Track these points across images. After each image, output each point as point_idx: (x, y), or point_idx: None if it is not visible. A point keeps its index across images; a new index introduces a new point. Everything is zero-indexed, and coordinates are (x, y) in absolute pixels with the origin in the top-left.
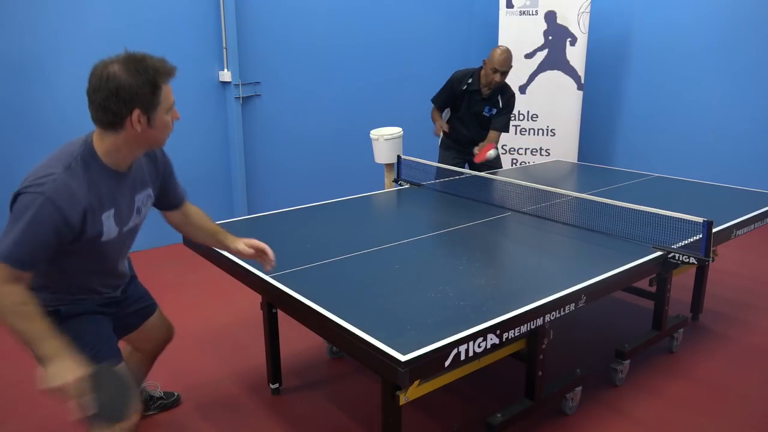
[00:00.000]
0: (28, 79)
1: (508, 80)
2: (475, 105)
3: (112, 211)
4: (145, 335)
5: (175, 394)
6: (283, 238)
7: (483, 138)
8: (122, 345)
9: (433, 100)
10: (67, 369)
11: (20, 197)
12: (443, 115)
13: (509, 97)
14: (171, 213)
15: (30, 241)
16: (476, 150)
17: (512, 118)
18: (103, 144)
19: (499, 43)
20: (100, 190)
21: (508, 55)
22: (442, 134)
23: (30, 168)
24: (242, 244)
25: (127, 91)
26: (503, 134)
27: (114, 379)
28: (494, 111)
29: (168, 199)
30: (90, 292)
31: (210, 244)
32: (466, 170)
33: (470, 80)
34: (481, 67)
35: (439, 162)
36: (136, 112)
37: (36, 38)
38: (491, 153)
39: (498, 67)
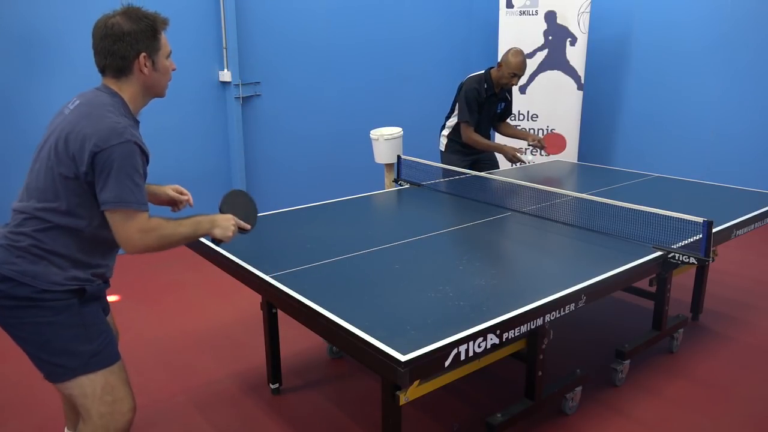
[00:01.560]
0: (27, 79)
1: None
2: (491, 106)
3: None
4: None
5: None
6: (283, 238)
7: (490, 135)
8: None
9: (469, 121)
10: (224, 222)
11: (110, 150)
12: (445, 121)
13: (510, 88)
14: None
15: (141, 182)
16: (543, 147)
17: (512, 118)
18: (124, 93)
19: (499, 43)
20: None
21: (524, 58)
22: (447, 141)
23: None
24: (171, 190)
25: (132, 36)
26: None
27: (239, 196)
28: (503, 105)
29: None
30: (105, 267)
31: None
32: (467, 170)
33: (486, 85)
34: (489, 69)
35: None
36: (142, 55)
37: (34, 37)
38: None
39: (517, 71)
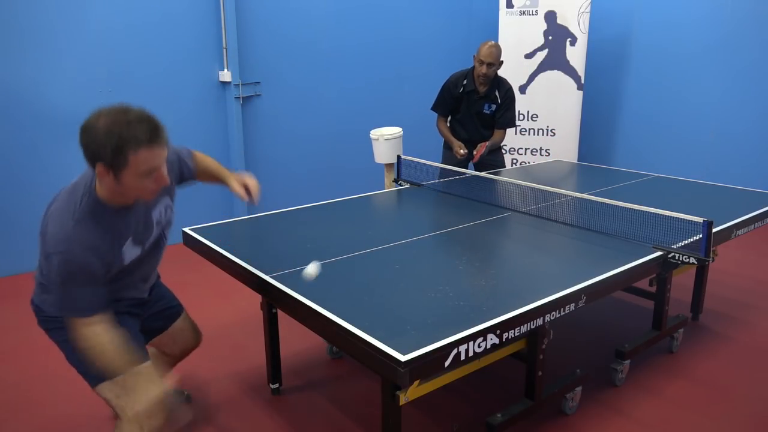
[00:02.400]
0: (26, 79)
1: (508, 78)
2: (473, 104)
3: (129, 239)
4: (172, 339)
5: (185, 392)
6: (283, 238)
7: (485, 137)
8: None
9: (435, 109)
10: (150, 391)
11: (51, 259)
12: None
13: (507, 91)
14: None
15: (80, 291)
16: (474, 152)
17: (515, 128)
18: (102, 187)
19: (500, 43)
20: (113, 229)
21: (494, 48)
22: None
23: (22, 163)
24: (235, 182)
25: (91, 147)
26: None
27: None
28: (493, 107)
29: (186, 179)
30: (120, 300)
31: (215, 183)
32: (467, 170)
33: (465, 81)
34: (474, 66)
35: (442, 162)
36: (99, 165)
37: (35, 38)
38: (485, 151)
39: (483, 58)
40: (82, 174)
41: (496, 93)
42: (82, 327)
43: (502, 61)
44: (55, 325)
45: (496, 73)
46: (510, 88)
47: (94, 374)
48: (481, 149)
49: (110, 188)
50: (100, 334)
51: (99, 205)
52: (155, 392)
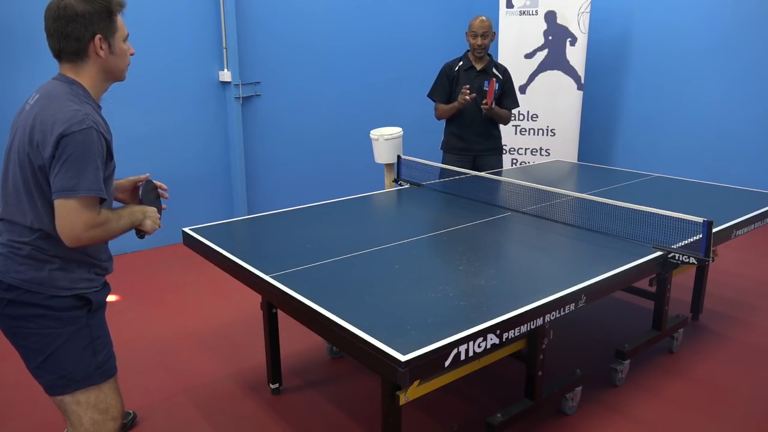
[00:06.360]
0: (24, 80)
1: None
2: (473, 81)
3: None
4: None
5: (131, 413)
6: (283, 238)
7: (485, 124)
8: None
9: (432, 95)
10: (153, 214)
11: (71, 137)
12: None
13: (505, 70)
14: None
15: (95, 171)
16: (484, 102)
17: (512, 118)
18: (83, 79)
19: (499, 43)
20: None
21: (486, 20)
22: (443, 137)
23: None
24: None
25: (86, 17)
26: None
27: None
28: (497, 86)
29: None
30: (107, 259)
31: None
32: (466, 170)
33: (461, 62)
34: (468, 50)
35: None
36: (97, 37)
37: (34, 39)
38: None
39: (476, 30)
40: (48, 87)
41: (494, 70)
42: (93, 207)
43: (494, 33)
44: (41, 311)
45: (491, 55)
46: (507, 68)
47: (63, 382)
48: (490, 94)
49: (100, 68)
50: (105, 211)
51: (87, 94)
52: (117, 405)
